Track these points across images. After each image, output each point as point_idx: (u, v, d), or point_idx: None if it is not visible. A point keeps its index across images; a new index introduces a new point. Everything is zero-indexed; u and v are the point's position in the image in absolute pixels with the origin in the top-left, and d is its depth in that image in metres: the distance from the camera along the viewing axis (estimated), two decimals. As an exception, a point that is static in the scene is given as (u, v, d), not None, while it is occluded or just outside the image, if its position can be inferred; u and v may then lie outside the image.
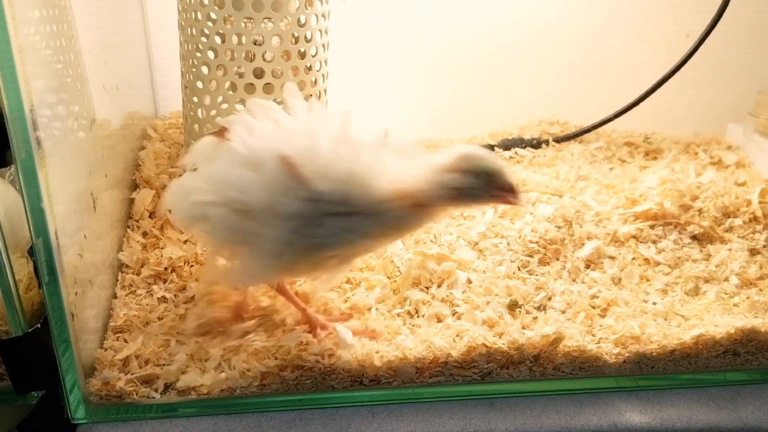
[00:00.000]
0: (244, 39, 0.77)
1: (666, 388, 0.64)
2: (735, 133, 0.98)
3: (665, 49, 1.01)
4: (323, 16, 0.82)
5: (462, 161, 0.57)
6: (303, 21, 0.79)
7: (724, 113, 1.01)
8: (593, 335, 0.66)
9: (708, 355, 0.64)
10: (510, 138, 1.00)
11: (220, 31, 0.77)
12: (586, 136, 1.01)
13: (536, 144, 0.99)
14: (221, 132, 0.62)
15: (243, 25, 0.76)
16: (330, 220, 0.55)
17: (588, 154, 0.97)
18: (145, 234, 0.78)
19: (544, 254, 0.76)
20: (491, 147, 0.98)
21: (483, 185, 0.57)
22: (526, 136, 1.01)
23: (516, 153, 0.97)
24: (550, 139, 0.99)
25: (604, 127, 1.02)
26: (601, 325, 0.67)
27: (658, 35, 1.04)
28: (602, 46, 1.06)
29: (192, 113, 0.83)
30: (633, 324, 0.66)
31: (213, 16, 0.77)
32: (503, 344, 0.63)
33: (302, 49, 0.80)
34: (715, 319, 0.67)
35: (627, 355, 0.64)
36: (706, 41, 0.93)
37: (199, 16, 0.77)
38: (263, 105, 0.62)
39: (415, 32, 1.03)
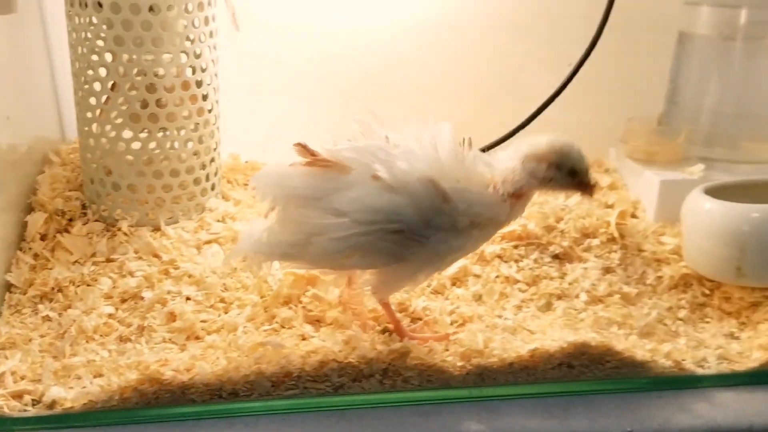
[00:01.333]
0: (143, 72, 0.82)
1: (506, 398, 0.69)
2: (613, 156, 1.04)
3: (558, 76, 1.07)
4: (214, 47, 0.87)
5: (551, 154, 0.65)
6: (198, 52, 0.84)
7: (607, 137, 1.07)
8: (447, 349, 0.71)
9: (544, 368, 0.70)
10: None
11: (117, 66, 0.82)
12: (477, 158, 1.07)
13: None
14: (319, 162, 0.65)
15: (139, 58, 0.81)
16: (468, 229, 0.65)
17: (476, 176, 1.03)
18: (36, 256, 0.82)
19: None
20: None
21: (568, 180, 0.65)
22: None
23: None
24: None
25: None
26: (453, 340, 0.72)
27: (552, 61, 1.10)
28: (496, 71, 1.12)
29: (87, 142, 0.87)
30: (478, 338, 0.71)
31: (108, 56, 0.82)
32: (353, 359, 0.68)
33: (198, 78, 0.85)
34: (554, 333, 0.72)
35: (470, 367, 0.69)
36: (596, 68, 1.00)
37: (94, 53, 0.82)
38: (370, 127, 0.69)
39: (309, 54, 1.08)
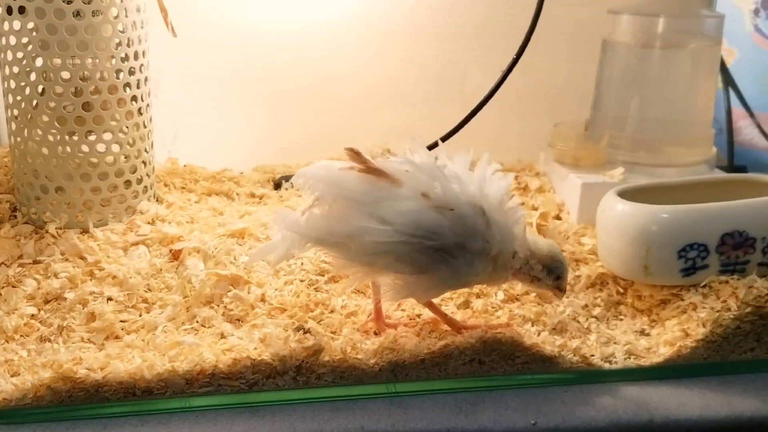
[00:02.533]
0: (69, 75, 0.83)
1: (417, 394, 0.71)
2: (542, 160, 1.07)
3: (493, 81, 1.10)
4: (143, 53, 0.89)
5: (550, 260, 0.73)
6: (125, 56, 0.85)
7: (539, 141, 1.10)
8: (359, 346, 0.73)
9: (455, 363, 0.72)
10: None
11: (44, 71, 0.83)
12: (413, 162, 1.09)
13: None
14: (373, 170, 0.68)
15: (64, 62, 0.82)
16: (491, 260, 0.70)
17: (410, 180, 1.05)
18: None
19: (336, 273, 0.83)
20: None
21: (551, 283, 0.74)
22: (357, 163, 1.08)
23: (342, 179, 1.05)
24: (378, 166, 1.07)
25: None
26: (369, 338, 0.74)
27: (496, 67, 1.13)
28: (435, 77, 1.15)
29: (17, 145, 0.87)
30: (391, 335, 0.72)
31: (35, 61, 0.83)
32: (267, 356, 0.69)
33: (127, 82, 0.87)
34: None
35: (383, 364, 0.71)
36: (529, 75, 1.03)
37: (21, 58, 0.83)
38: (418, 147, 0.72)
39: (251, 60, 1.10)
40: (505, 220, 0.71)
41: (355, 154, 0.69)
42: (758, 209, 0.78)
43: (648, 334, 0.78)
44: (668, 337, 0.75)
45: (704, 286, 0.77)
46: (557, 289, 0.75)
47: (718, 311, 0.74)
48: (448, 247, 0.68)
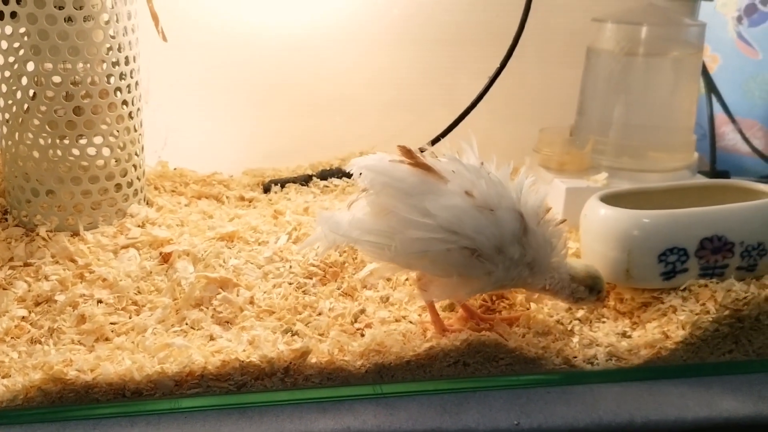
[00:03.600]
0: (60, 80, 0.84)
1: (405, 395, 0.72)
2: (528, 165, 1.08)
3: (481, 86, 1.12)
4: (133, 58, 0.90)
5: (589, 279, 0.76)
6: (116, 61, 0.87)
7: (526, 146, 1.12)
8: (346, 348, 0.74)
9: (440, 365, 0.73)
10: (329, 169, 1.09)
11: (36, 75, 0.84)
12: (401, 167, 1.10)
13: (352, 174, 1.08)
14: (421, 165, 0.71)
15: (55, 67, 0.83)
16: (526, 267, 0.72)
17: (398, 184, 1.06)
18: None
19: (323, 276, 0.84)
20: (310, 177, 1.07)
21: (592, 299, 0.77)
22: (345, 168, 1.09)
23: (331, 183, 1.06)
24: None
25: (421, 158, 1.11)
26: (355, 340, 0.75)
27: (480, 73, 1.14)
28: (424, 83, 1.16)
29: (8, 149, 0.88)
30: (378, 338, 0.74)
31: (26, 66, 0.84)
32: (255, 358, 0.70)
33: (117, 87, 0.88)
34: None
35: (369, 366, 0.72)
36: (517, 80, 1.05)
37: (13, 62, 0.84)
38: (466, 151, 0.76)
39: (240, 64, 1.11)
40: (542, 231, 0.73)
41: (406, 151, 0.72)
42: (737, 214, 0.79)
43: (629, 336, 0.80)
44: (649, 339, 0.77)
45: (684, 290, 0.79)
46: (599, 302, 0.79)
47: (697, 314, 0.76)
48: (485, 249, 0.70)
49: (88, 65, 0.84)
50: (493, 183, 0.72)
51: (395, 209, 0.70)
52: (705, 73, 1.20)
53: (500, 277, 0.72)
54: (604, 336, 0.79)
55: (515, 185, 0.74)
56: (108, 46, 0.85)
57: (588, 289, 0.77)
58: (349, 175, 1.07)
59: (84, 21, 0.83)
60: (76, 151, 0.87)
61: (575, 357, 0.76)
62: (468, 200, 0.70)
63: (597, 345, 0.78)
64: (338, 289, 0.83)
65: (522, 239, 0.71)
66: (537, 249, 0.72)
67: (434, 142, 1.07)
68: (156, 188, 1.04)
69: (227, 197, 1.05)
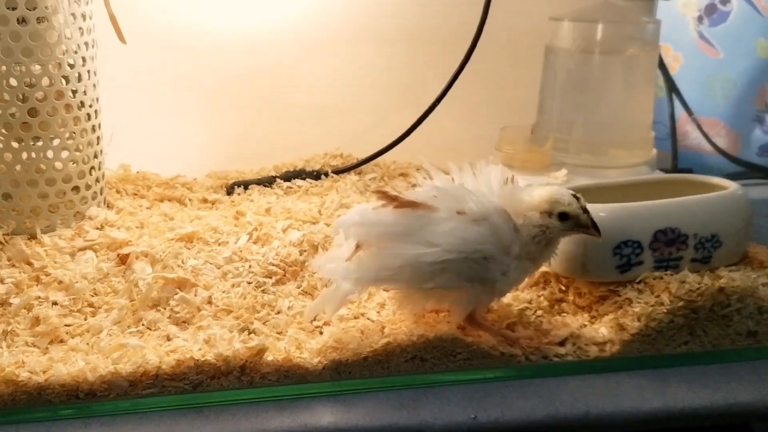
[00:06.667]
0: (15, 82, 0.83)
1: (362, 391, 0.72)
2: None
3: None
4: (92, 58, 0.89)
5: (542, 204, 0.73)
6: (72, 63, 0.86)
7: (487, 145, 1.13)
8: (304, 346, 0.74)
9: (398, 361, 0.73)
10: (292, 170, 1.09)
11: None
12: (365, 167, 1.11)
13: (316, 175, 1.08)
14: (406, 204, 0.71)
15: (9, 68, 0.83)
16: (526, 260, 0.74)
17: (361, 185, 1.06)
18: None
19: (283, 275, 0.84)
20: (273, 178, 1.07)
21: (563, 225, 0.73)
22: (309, 169, 1.10)
23: (294, 184, 1.06)
24: (329, 171, 1.08)
25: (385, 159, 1.12)
26: (313, 338, 0.75)
27: (445, 73, 1.15)
28: (386, 84, 1.17)
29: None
30: (337, 335, 0.74)
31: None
32: (210, 357, 0.70)
33: (74, 88, 0.87)
34: (403, 327, 0.76)
35: (326, 363, 0.72)
36: (478, 79, 1.06)
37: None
38: (434, 173, 0.77)
39: (205, 67, 1.11)
40: (518, 209, 0.74)
41: (384, 195, 0.72)
42: (690, 207, 0.80)
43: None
44: (605, 331, 0.78)
45: (639, 282, 0.79)
46: (579, 228, 0.74)
47: (651, 306, 0.76)
48: (496, 255, 0.72)
49: (43, 66, 0.84)
50: (473, 194, 0.73)
51: (401, 251, 0.71)
52: (666, 72, 1.22)
53: (517, 277, 0.75)
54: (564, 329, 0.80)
55: (484, 185, 0.75)
56: (63, 47, 0.85)
57: (548, 215, 0.73)
58: (313, 176, 1.08)
59: (38, 22, 0.82)
60: (32, 154, 0.87)
61: (533, 351, 0.76)
62: (462, 219, 0.71)
63: (555, 339, 0.78)
64: (298, 287, 0.83)
65: (516, 236, 0.73)
66: (530, 235, 0.74)
67: (397, 142, 1.07)
68: (118, 191, 1.03)
69: (190, 199, 1.04)
